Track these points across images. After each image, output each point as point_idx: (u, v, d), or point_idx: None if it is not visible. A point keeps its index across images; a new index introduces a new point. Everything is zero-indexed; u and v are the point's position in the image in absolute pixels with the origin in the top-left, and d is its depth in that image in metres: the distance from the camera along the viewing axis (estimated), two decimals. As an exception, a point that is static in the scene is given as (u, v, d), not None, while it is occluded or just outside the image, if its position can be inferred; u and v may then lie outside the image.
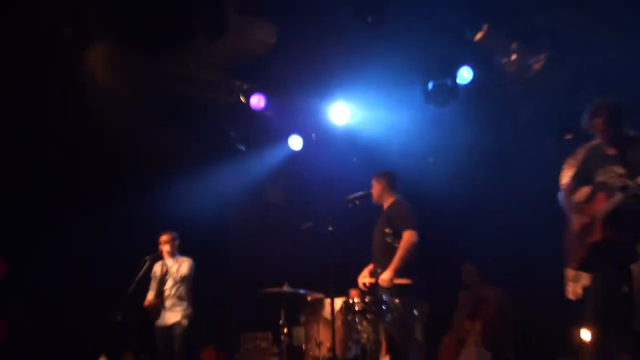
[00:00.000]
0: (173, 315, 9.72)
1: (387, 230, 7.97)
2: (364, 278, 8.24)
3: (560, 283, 10.78)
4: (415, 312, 8.24)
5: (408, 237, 7.85)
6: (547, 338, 9.93)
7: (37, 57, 9.72)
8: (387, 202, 8.32)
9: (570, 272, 10.43)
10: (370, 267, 8.32)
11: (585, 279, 9.60)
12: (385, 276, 7.69)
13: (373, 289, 7.97)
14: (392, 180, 8.41)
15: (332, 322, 8.00)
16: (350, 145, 12.26)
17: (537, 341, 9.95)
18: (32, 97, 10.22)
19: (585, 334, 8.90)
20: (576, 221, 6.48)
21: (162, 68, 10.91)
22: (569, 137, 6.39)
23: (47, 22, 9.44)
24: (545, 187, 10.74)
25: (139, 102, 10.85)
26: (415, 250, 7.84)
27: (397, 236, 7.88)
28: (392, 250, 7.88)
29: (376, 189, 8.34)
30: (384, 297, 7.52)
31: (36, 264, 10.66)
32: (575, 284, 10.09)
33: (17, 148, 10.67)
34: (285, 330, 8.82)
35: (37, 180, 10.91)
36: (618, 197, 5.92)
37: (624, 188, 5.80)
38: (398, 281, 7.68)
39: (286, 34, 10.00)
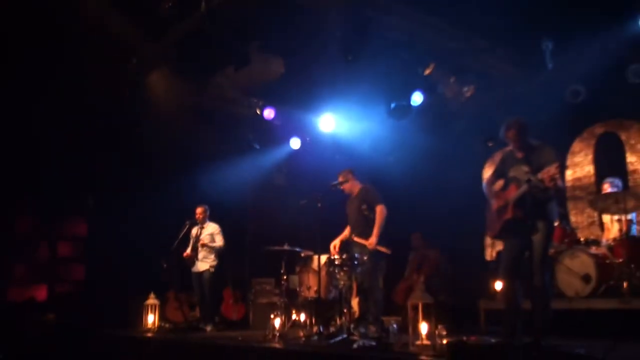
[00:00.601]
0: (203, 264, 9.81)
1: (363, 207, 8.08)
2: (334, 244, 8.35)
3: (481, 248, 10.97)
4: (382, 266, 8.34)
5: (381, 209, 7.99)
6: (471, 286, 9.99)
7: (113, 78, 9.78)
8: (357, 188, 8.39)
9: (488, 241, 10.66)
10: (345, 233, 8.40)
11: (498, 245, 9.74)
12: (372, 241, 7.82)
13: (347, 248, 8.03)
14: (354, 173, 8.48)
15: (319, 272, 8.08)
16: (334, 146, 12.29)
17: (465, 288, 10.00)
18: (111, 109, 10.25)
19: (498, 285, 8.95)
20: (495, 204, 6.55)
21: (202, 88, 10.96)
22: (491, 143, 6.44)
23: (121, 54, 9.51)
24: (473, 179, 10.93)
25: (186, 112, 10.94)
26: (386, 219, 7.98)
27: (371, 210, 8.00)
28: (368, 220, 8.02)
29: (348, 183, 8.39)
30: (356, 255, 7.56)
31: (109, 227, 10.67)
32: (492, 249, 10.27)
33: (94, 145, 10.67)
34: (285, 277, 8.85)
35: (111, 167, 10.92)
36: (524, 187, 5.98)
37: (528, 181, 5.85)
38: (381, 248, 7.79)
39: (291, 66, 10.03)
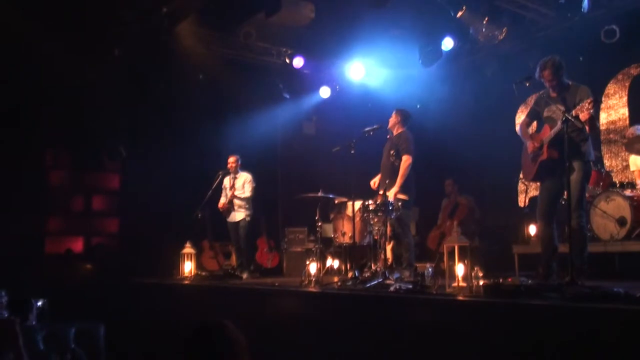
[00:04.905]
0: (239, 214, 9.90)
1: (392, 152, 8.09)
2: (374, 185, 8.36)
3: (514, 194, 10.97)
4: (410, 213, 8.38)
5: (405, 159, 7.96)
6: (504, 232, 10.04)
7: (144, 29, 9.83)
8: (398, 131, 8.35)
9: (521, 187, 10.64)
10: (378, 177, 8.42)
11: (532, 192, 9.75)
12: (392, 191, 7.76)
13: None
14: (405, 117, 8.40)
15: (353, 218, 8.14)
16: (364, 94, 12.28)
17: (498, 234, 10.05)
18: (141, 59, 10.29)
19: (532, 230, 8.99)
20: (530, 146, 6.55)
21: (231, 38, 11.00)
22: (528, 83, 6.37)
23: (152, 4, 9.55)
24: (504, 123, 10.90)
25: (216, 62, 10.96)
26: (410, 170, 7.97)
27: (398, 157, 8.00)
28: (393, 167, 8.02)
29: (393, 120, 8.37)
30: (391, 200, 7.57)
31: (141, 179, 10.78)
32: (525, 196, 10.29)
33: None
34: (320, 224, 8.93)
35: (142, 120, 10.98)
36: (559, 125, 5.93)
37: (565, 119, 5.76)
38: (400, 196, 7.80)
39: (321, 11, 9.94)
